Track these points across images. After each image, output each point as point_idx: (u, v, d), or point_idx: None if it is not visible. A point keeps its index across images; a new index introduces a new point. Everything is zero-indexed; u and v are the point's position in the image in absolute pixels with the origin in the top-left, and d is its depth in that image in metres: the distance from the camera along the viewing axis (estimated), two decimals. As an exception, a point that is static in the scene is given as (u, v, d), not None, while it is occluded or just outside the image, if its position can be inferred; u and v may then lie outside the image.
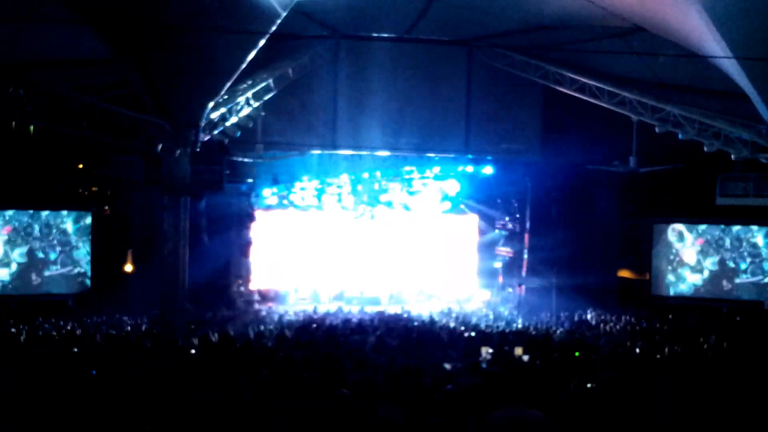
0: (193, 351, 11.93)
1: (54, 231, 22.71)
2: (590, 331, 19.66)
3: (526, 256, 28.77)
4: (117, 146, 21.77)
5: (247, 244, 27.25)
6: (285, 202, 28.36)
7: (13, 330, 16.75)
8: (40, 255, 22.66)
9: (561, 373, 9.06)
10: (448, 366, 10.05)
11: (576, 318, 23.56)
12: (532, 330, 20.07)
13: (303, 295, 28.25)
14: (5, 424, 5.90)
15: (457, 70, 25.16)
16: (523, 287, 26.64)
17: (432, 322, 20.71)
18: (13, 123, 20.30)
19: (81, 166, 24.27)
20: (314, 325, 18.57)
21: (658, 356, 13.22)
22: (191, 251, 20.37)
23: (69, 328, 17.89)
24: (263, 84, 21.90)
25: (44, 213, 22.69)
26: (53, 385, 6.88)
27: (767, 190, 21.57)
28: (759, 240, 24.69)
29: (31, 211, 22.50)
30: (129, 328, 18.78)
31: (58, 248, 22.85)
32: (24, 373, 7.16)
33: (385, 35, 24.19)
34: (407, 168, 28.10)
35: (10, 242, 22.28)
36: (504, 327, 20.53)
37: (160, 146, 18.95)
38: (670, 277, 26.04)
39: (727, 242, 25.15)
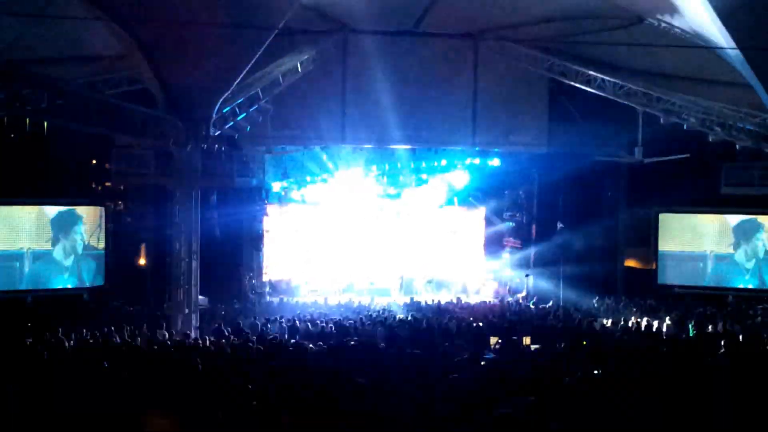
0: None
1: (68, 226, 22.91)
2: (597, 320, 19.85)
3: (533, 246, 28.97)
4: (129, 142, 22.00)
5: (258, 237, 27.51)
6: (295, 195, 28.60)
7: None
8: (55, 250, 22.88)
9: (569, 361, 9.22)
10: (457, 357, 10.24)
11: (583, 307, 23.75)
12: (539, 320, 20.25)
13: (314, 287, 28.53)
14: None
15: (463, 63, 25.26)
16: (531, 277, 26.82)
17: (441, 312, 20.97)
18: (27, 119, 20.57)
19: (94, 161, 24.54)
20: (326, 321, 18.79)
21: (665, 349, 13.34)
22: (203, 245, 20.66)
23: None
24: (272, 79, 22.11)
25: (58, 208, 22.89)
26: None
27: (772, 179, 21.69)
28: (764, 228, 24.67)
29: (44, 207, 22.71)
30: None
31: (72, 243, 23.04)
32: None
33: (393, 29, 24.31)
34: (415, 161, 28.23)
35: (26, 238, 22.49)
36: (512, 317, 20.73)
37: (171, 141, 19.22)
38: (676, 266, 26.06)
39: (734, 231, 25.15)
